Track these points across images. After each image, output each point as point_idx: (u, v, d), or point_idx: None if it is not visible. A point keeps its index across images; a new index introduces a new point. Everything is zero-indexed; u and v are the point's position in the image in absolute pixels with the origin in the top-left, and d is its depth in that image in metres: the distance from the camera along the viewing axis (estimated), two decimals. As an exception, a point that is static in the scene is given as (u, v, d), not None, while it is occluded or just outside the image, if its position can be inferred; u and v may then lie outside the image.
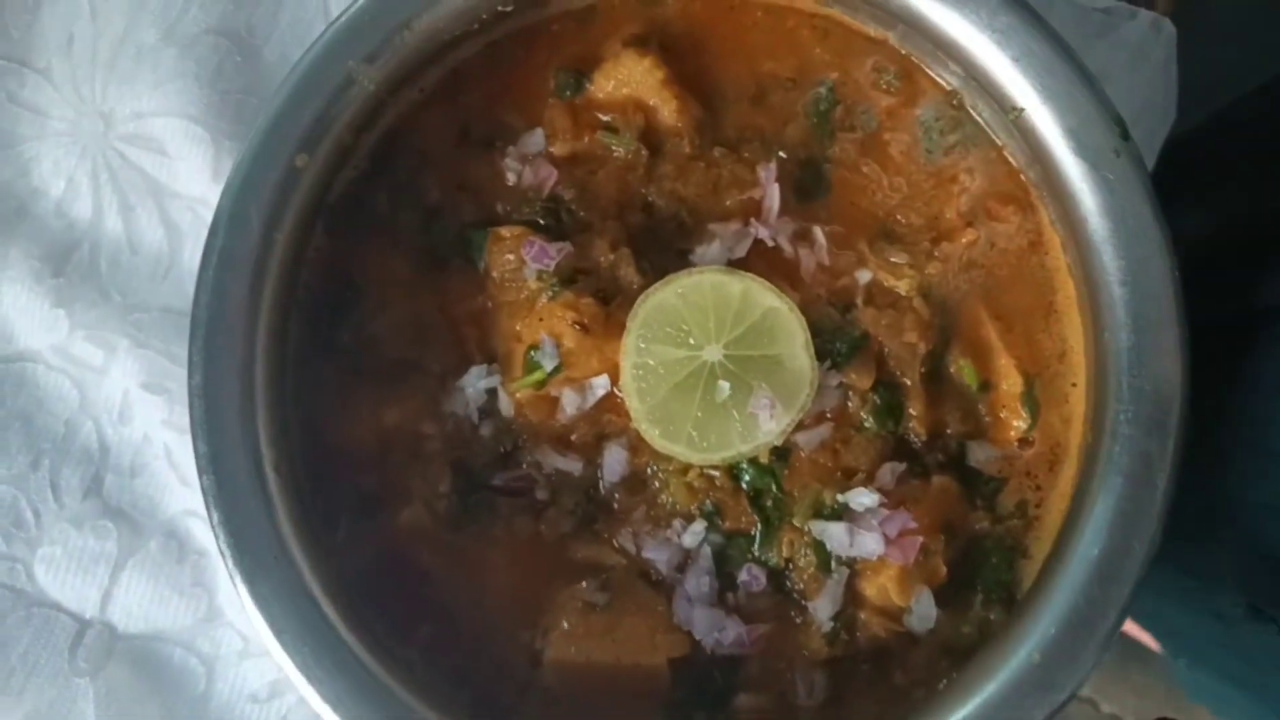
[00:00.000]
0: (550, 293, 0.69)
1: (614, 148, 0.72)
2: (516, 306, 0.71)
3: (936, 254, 0.71)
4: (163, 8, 0.86)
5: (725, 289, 0.68)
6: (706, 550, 0.69)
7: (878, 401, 0.69)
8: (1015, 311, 0.71)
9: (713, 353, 0.67)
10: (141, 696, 0.82)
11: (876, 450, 0.69)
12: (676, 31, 0.74)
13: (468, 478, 0.71)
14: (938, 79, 0.72)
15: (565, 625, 0.68)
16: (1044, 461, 0.70)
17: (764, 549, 0.69)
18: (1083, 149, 0.62)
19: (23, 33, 0.87)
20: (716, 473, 0.69)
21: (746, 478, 0.69)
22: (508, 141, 0.73)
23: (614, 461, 0.70)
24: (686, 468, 0.69)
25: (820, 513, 0.68)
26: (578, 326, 0.68)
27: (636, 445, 0.70)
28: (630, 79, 0.72)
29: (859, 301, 0.71)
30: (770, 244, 0.71)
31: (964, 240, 0.71)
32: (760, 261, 0.71)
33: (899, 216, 0.72)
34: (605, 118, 0.73)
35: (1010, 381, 0.70)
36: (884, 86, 0.73)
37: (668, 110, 0.72)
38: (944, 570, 0.68)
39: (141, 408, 0.84)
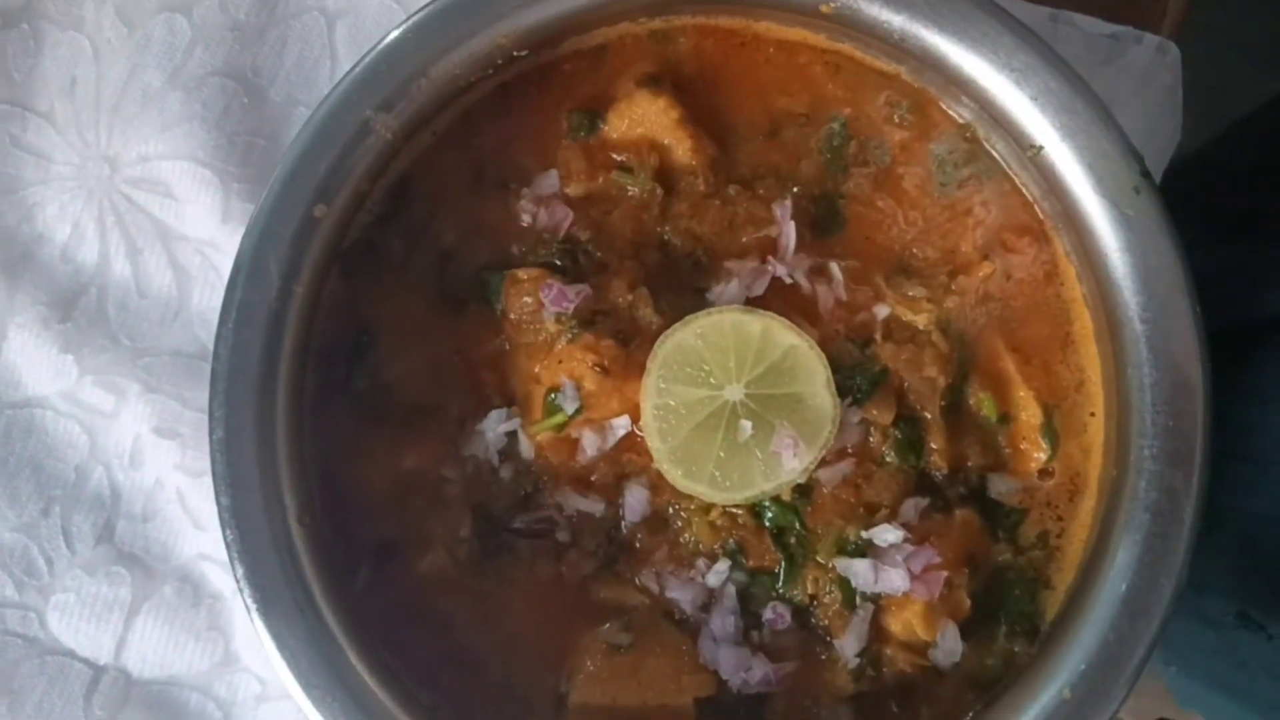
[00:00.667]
0: (569, 335, 0.69)
1: (629, 187, 0.72)
2: (535, 348, 0.71)
3: (954, 287, 0.71)
4: (167, 50, 0.85)
5: (745, 328, 0.68)
6: (731, 589, 0.69)
7: (899, 436, 0.69)
8: (1033, 343, 0.71)
9: (734, 392, 0.67)
10: (159, 744, 0.81)
11: (899, 485, 0.69)
12: (689, 69, 0.74)
13: (488, 521, 0.70)
14: (951, 112, 0.72)
15: (590, 667, 0.68)
16: (1064, 492, 0.70)
17: (788, 586, 0.69)
18: (1103, 187, 0.62)
19: (24, 75, 0.87)
20: (739, 511, 0.69)
21: (769, 515, 0.69)
22: (522, 183, 0.73)
23: (635, 501, 0.70)
24: (709, 507, 0.69)
25: (844, 549, 0.68)
26: (598, 369, 0.68)
27: (658, 484, 0.70)
28: (644, 118, 0.72)
29: (878, 336, 0.71)
30: (788, 281, 0.71)
31: (980, 273, 0.71)
32: (778, 299, 0.71)
33: (915, 250, 0.72)
34: (619, 157, 0.73)
35: (1029, 413, 0.70)
36: (897, 120, 0.73)
37: (682, 149, 0.72)
38: (968, 603, 0.68)
39: (153, 452, 0.84)
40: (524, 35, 0.68)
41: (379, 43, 0.66)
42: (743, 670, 0.67)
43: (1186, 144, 0.88)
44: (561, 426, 0.69)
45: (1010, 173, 0.72)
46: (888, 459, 0.69)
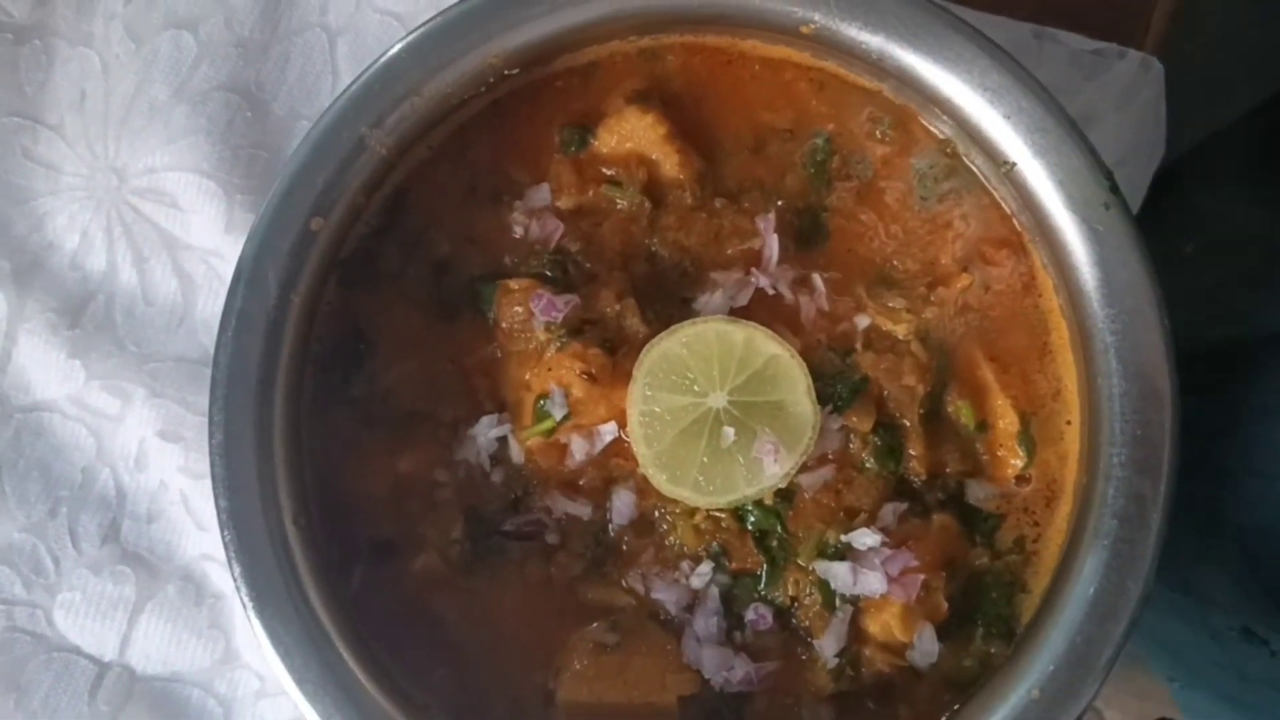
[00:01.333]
0: (558, 343, 0.71)
1: (618, 200, 0.75)
2: (525, 356, 0.73)
3: (933, 298, 0.73)
4: (173, 65, 0.88)
5: (729, 337, 0.70)
6: (714, 591, 0.70)
7: (878, 443, 0.71)
8: (1010, 352, 0.73)
9: (717, 399, 0.69)
10: (161, 739, 0.84)
11: (878, 490, 0.71)
12: (677, 86, 0.76)
13: (480, 524, 0.72)
14: (931, 128, 0.74)
15: (577, 666, 0.70)
16: (1041, 498, 0.72)
17: (770, 588, 0.71)
18: (1073, 203, 0.64)
19: (36, 90, 0.90)
20: (722, 515, 0.71)
21: (752, 519, 0.71)
22: (514, 196, 0.75)
23: (622, 505, 0.72)
24: (693, 510, 0.71)
25: (824, 552, 0.70)
26: (585, 376, 0.70)
27: (644, 489, 0.72)
28: (633, 134, 0.74)
29: (858, 346, 0.73)
30: (771, 292, 0.73)
31: (959, 285, 0.73)
32: (762, 309, 0.73)
33: (895, 262, 0.74)
34: (609, 171, 0.75)
35: (1007, 420, 0.72)
36: (879, 136, 0.75)
37: (670, 164, 0.74)
38: (945, 606, 0.70)
39: (158, 455, 0.86)
40: (514, 55, 0.70)
41: (374, 62, 0.68)
42: (725, 669, 0.69)
43: (1174, 154, 0.90)
44: (551, 432, 0.71)
45: (989, 187, 0.73)
46: (867, 465, 0.71)
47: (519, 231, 0.74)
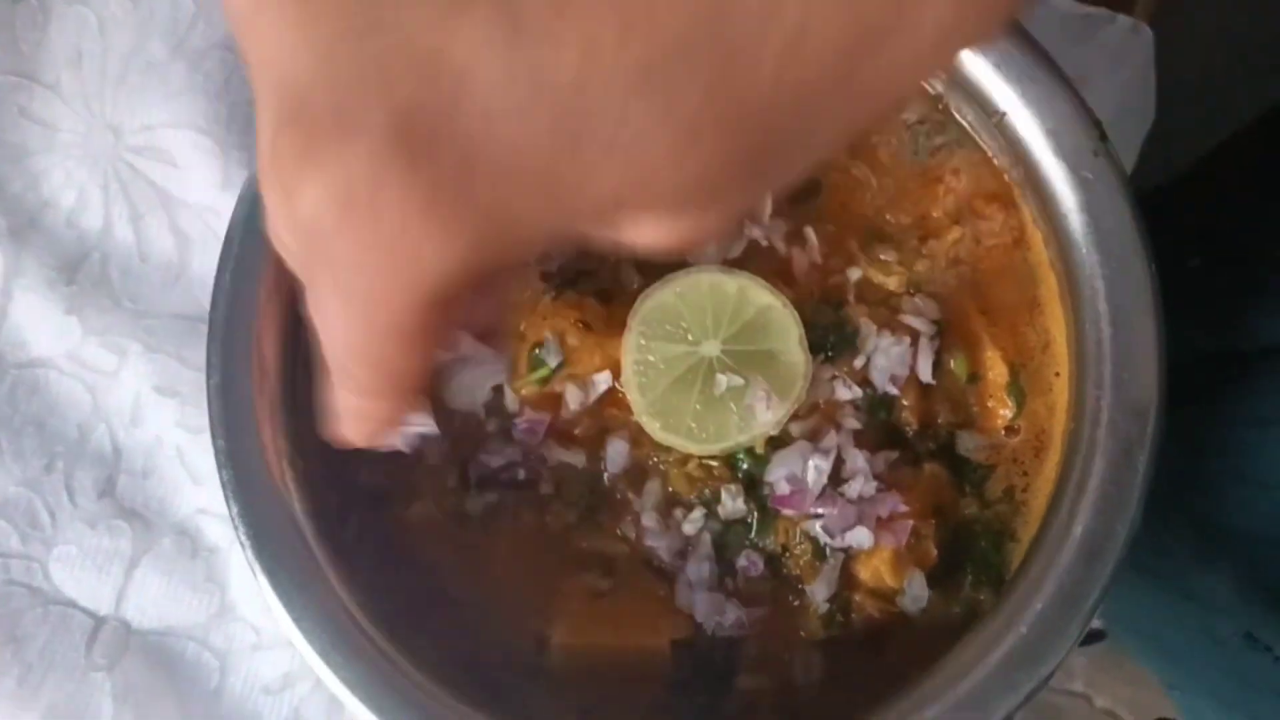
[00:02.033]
0: (553, 293, 0.71)
1: (613, 152, 0.75)
2: (520, 306, 0.73)
3: (924, 251, 0.74)
4: (171, 24, 0.88)
5: (722, 287, 0.71)
6: (706, 537, 0.71)
7: (870, 393, 0.72)
8: (1000, 305, 0.74)
9: (711, 348, 0.70)
10: (157, 690, 0.84)
11: (869, 440, 0.71)
12: (671, 40, 0.77)
13: (474, 472, 0.73)
14: (923, 84, 0.75)
15: (571, 610, 0.70)
16: (1030, 448, 0.73)
17: (761, 536, 0.72)
18: (1062, 150, 0.65)
19: (32, 48, 0.90)
20: (715, 463, 0.72)
21: (744, 467, 0.72)
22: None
23: (616, 454, 0.73)
24: (686, 458, 0.72)
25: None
26: (580, 325, 0.71)
27: (637, 438, 0.73)
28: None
29: (850, 298, 0.73)
30: (765, 244, 0.73)
31: (950, 237, 0.74)
32: (755, 260, 0.74)
33: (888, 216, 0.75)
34: (604, 123, 0.75)
35: (996, 372, 0.73)
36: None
37: (665, 117, 0.75)
38: (934, 553, 0.70)
39: (153, 410, 0.87)
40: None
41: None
42: (717, 614, 0.70)
43: (1175, 155, 0.91)
44: (545, 380, 0.72)
45: (980, 141, 0.74)
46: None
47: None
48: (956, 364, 0.73)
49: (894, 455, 0.71)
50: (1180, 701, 1.13)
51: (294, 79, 0.32)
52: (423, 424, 0.49)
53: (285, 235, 0.36)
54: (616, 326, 0.71)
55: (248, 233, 0.67)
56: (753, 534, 0.72)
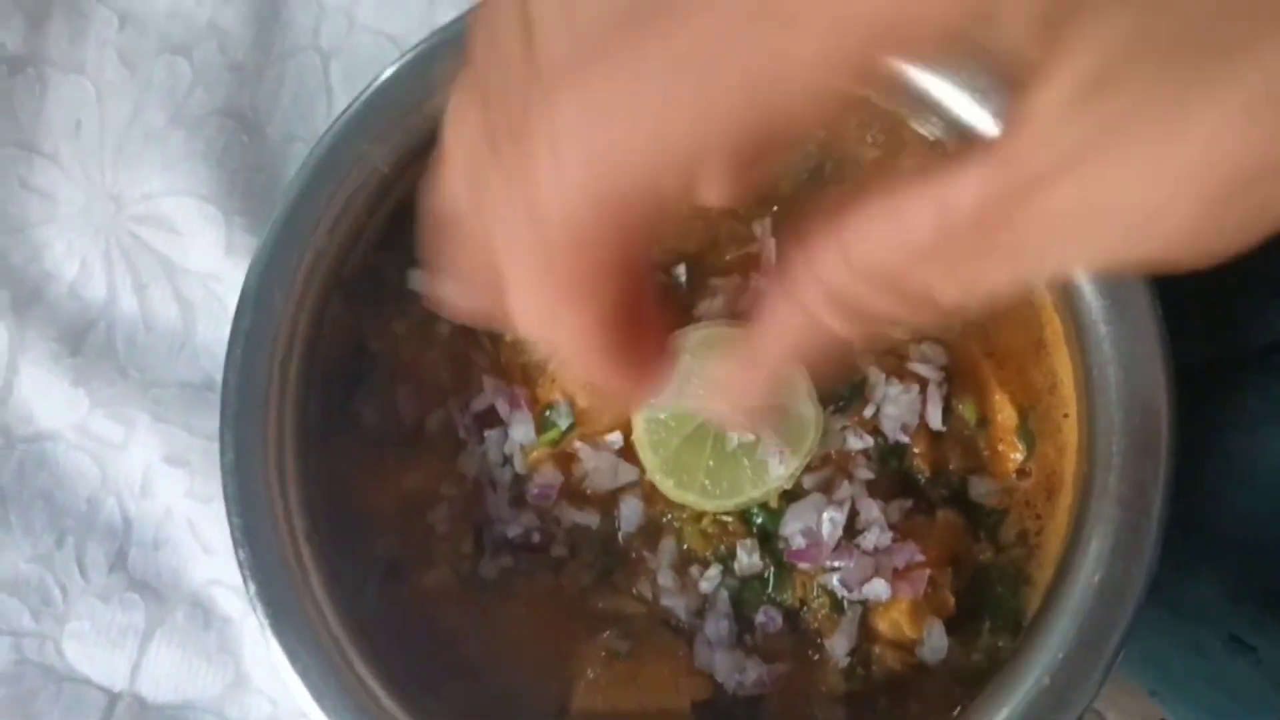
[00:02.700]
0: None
1: (616, 211, 0.75)
2: (530, 368, 0.74)
3: (929, 298, 0.74)
4: (168, 91, 0.89)
5: (730, 342, 0.71)
6: (723, 594, 0.71)
7: (881, 442, 0.72)
8: (1006, 348, 0.74)
9: (721, 404, 0.70)
10: (175, 765, 0.84)
11: (882, 489, 0.71)
12: (669, 97, 0.77)
13: (489, 537, 0.73)
14: (921, 130, 0.75)
15: (590, 674, 0.70)
16: (1041, 491, 0.73)
17: (778, 590, 0.71)
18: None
19: (30, 118, 0.90)
20: (729, 519, 0.72)
21: (758, 521, 0.72)
22: (512, 208, 0.76)
23: (630, 512, 0.73)
24: (700, 515, 0.72)
25: (829, 555, 0.71)
26: (590, 385, 0.71)
27: (650, 495, 0.73)
28: (628, 145, 0.75)
29: (857, 348, 0.73)
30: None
31: (954, 284, 0.74)
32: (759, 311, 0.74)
33: (890, 263, 0.75)
34: (606, 183, 0.76)
35: (1005, 415, 0.73)
36: (870, 141, 0.76)
37: (665, 173, 0.75)
38: (952, 601, 0.70)
39: (163, 481, 0.86)
40: (511, 70, 0.71)
41: (374, 80, 0.69)
42: (738, 673, 0.70)
43: None
44: (556, 442, 0.72)
45: (979, 187, 0.75)
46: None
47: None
48: (965, 409, 0.73)
49: (908, 504, 0.71)
50: (1165, 708, 1.13)
51: None
52: None
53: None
54: (626, 385, 0.71)
55: (259, 305, 0.67)
56: (770, 589, 0.71)
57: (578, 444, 0.72)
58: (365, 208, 0.70)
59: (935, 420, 0.71)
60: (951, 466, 0.73)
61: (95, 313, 0.89)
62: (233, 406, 0.66)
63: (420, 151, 0.72)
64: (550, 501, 0.72)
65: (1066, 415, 0.73)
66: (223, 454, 0.66)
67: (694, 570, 0.72)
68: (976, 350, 0.74)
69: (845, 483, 0.71)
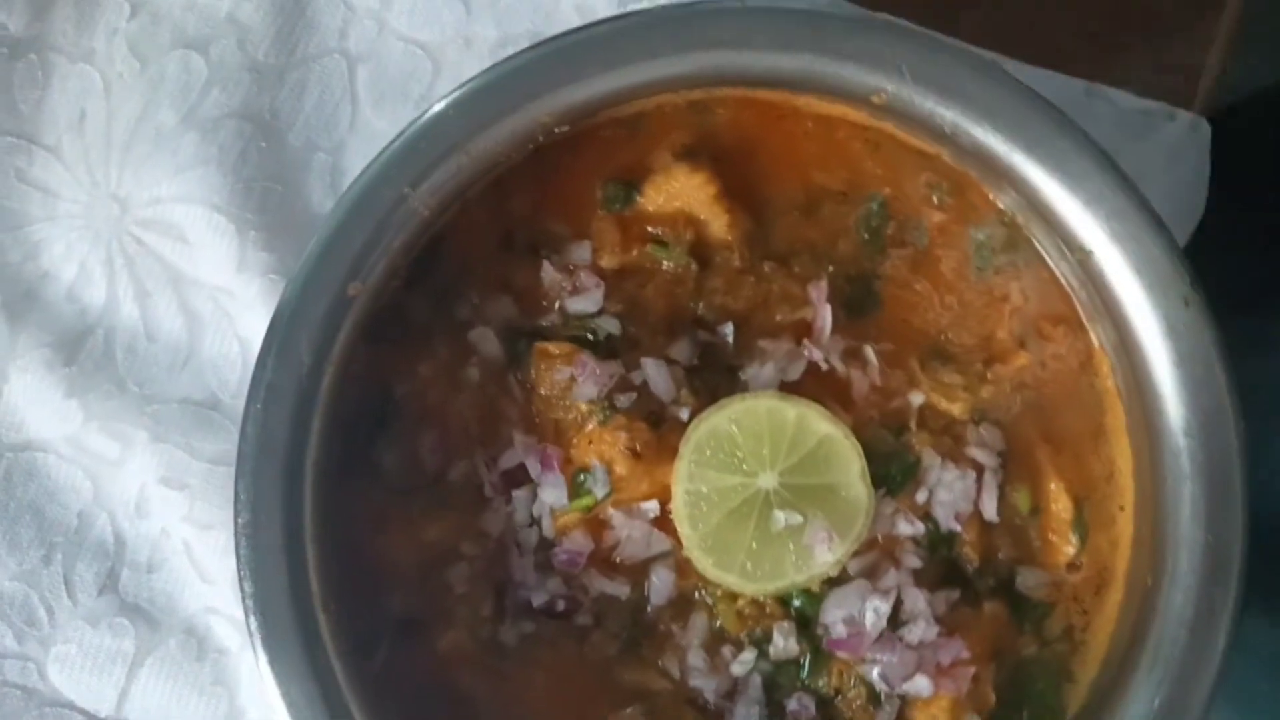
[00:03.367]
0: (602, 416, 0.67)
1: (663, 262, 0.71)
2: (564, 425, 0.69)
3: (989, 376, 0.71)
4: (182, 89, 0.83)
5: (780, 415, 0.67)
6: (756, 679, 0.68)
7: (932, 527, 0.69)
8: (1065, 434, 0.71)
9: (768, 480, 0.66)
10: (162, 801, 0.80)
11: (929, 577, 0.68)
12: (726, 140, 0.72)
13: (511, 600, 0.69)
14: (991, 197, 0.71)
15: (610, 753, 0.67)
16: (1091, 585, 0.70)
17: (813, 677, 0.68)
18: (1152, 296, 0.62)
19: (31, 108, 0.84)
20: (767, 600, 0.68)
21: (797, 604, 0.68)
22: (553, 250, 0.71)
23: (661, 584, 0.69)
24: (736, 594, 0.68)
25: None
26: (629, 452, 0.67)
27: (684, 568, 0.69)
28: (681, 193, 0.70)
29: (912, 425, 0.70)
30: (824, 367, 0.70)
31: (1017, 363, 0.71)
32: (811, 380, 0.70)
33: (950, 335, 0.72)
34: (654, 230, 0.71)
35: (1060, 505, 0.70)
36: (936, 202, 0.72)
37: (718, 224, 0.71)
38: (993, 698, 0.68)
39: (160, 503, 0.82)
40: (565, 113, 0.66)
41: (417, 119, 0.64)
42: (766, 761, 0.67)
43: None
44: (589, 509, 0.68)
45: (1048, 260, 0.71)
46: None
47: (557, 290, 0.70)
48: (1019, 496, 0.70)
49: (954, 595, 0.68)
50: None
51: None
52: None
53: None
54: (667, 452, 0.67)
55: (282, 356, 0.62)
56: (805, 675, 0.68)
57: (611, 510, 0.68)
58: (401, 252, 0.66)
59: (990, 510, 0.68)
60: (1001, 555, 0.70)
61: (93, 319, 0.83)
62: (250, 463, 0.62)
63: (462, 192, 0.67)
64: (578, 569, 0.69)
65: (1122, 508, 0.70)
66: (237, 514, 0.62)
67: (726, 651, 0.68)
68: (1034, 433, 0.71)
69: (892, 570, 0.67)
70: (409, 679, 0.68)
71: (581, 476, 0.68)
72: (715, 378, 0.70)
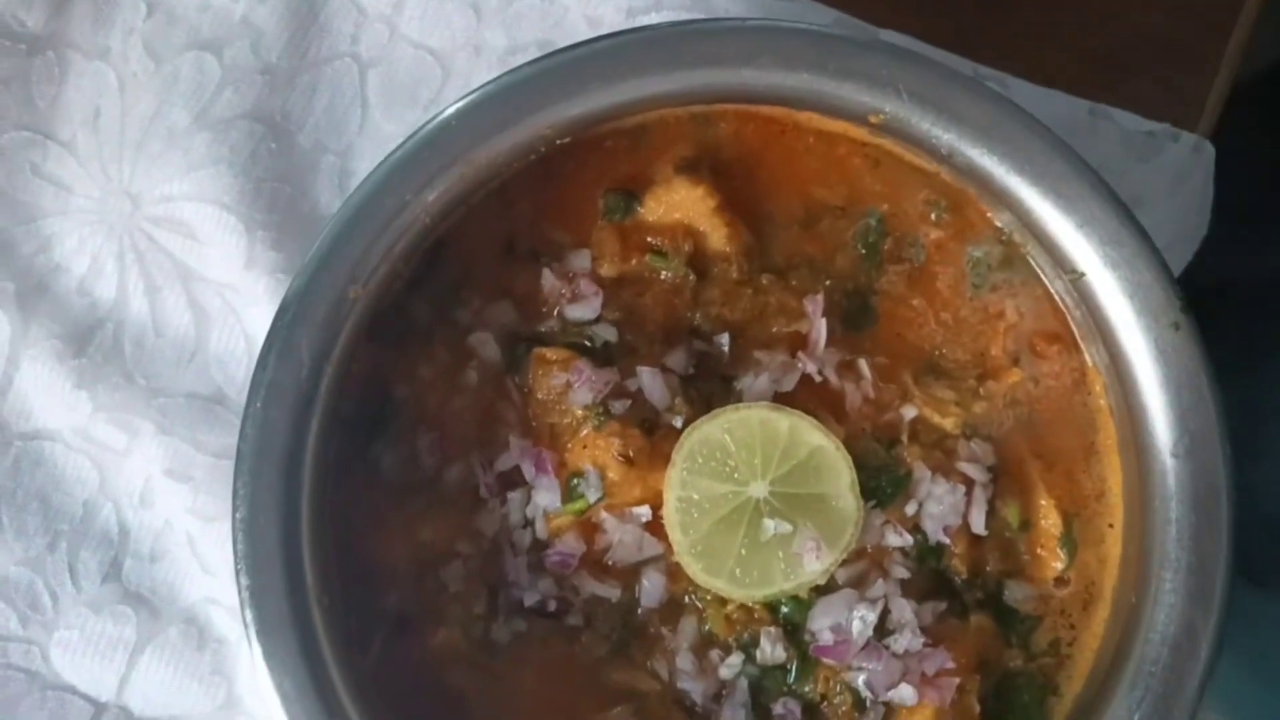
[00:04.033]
0: (596, 422, 0.68)
1: (662, 272, 0.72)
2: (560, 430, 0.70)
3: (982, 392, 0.71)
4: (195, 89, 0.84)
5: (773, 426, 0.68)
6: (743, 683, 0.69)
7: (920, 539, 0.69)
8: (1057, 450, 0.72)
9: (759, 489, 0.67)
10: (159, 785, 0.82)
11: (917, 588, 0.69)
12: (727, 153, 0.73)
13: (504, 599, 0.70)
14: (989, 215, 0.72)
15: (599, 752, 0.68)
16: (1078, 601, 0.71)
17: (800, 683, 0.69)
18: (1142, 320, 0.63)
19: (48, 104, 0.85)
20: (755, 605, 0.69)
21: (785, 610, 0.69)
22: (553, 257, 0.72)
23: (652, 587, 0.70)
24: (725, 599, 0.69)
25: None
26: (622, 458, 0.68)
27: (674, 572, 0.70)
28: (682, 205, 0.71)
29: (904, 438, 0.71)
30: (818, 378, 0.70)
31: (1010, 379, 0.71)
32: (805, 391, 0.71)
33: (944, 351, 0.72)
34: (653, 241, 0.72)
35: (1050, 520, 0.71)
36: (934, 219, 0.73)
37: (717, 236, 0.72)
38: (978, 709, 0.68)
39: (164, 494, 0.83)
40: (568, 125, 0.67)
41: (421, 127, 0.65)
42: (751, 764, 0.68)
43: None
44: (582, 513, 0.69)
45: (1044, 279, 0.72)
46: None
47: (556, 297, 0.71)
48: (1009, 511, 0.71)
49: (941, 606, 0.69)
50: None
51: None
52: None
53: None
54: (660, 459, 0.68)
55: (283, 357, 0.63)
56: (791, 680, 0.69)
57: (604, 514, 0.70)
58: (403, 257, 0.67)
59: (978, 524, 0.69)
60: (989, 568, 0.71)
61: (103, 312, 0.84)
62: (249, 460, 0.63)
63: (464, 199, 0.68)
64: (570, 570, 0.70)
65: (1112, 526, 0.70)
66: (235, 509, 0.63)
67: (714, 654, 0.69)
68: (1025, 449, 0.72)
69: (880, 580, 0.68)
70: (402, 674, 0.69)
71: (575, 480, 0.69)
72: (710, 387, 0.71)
